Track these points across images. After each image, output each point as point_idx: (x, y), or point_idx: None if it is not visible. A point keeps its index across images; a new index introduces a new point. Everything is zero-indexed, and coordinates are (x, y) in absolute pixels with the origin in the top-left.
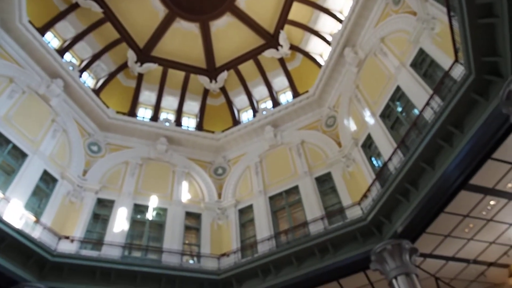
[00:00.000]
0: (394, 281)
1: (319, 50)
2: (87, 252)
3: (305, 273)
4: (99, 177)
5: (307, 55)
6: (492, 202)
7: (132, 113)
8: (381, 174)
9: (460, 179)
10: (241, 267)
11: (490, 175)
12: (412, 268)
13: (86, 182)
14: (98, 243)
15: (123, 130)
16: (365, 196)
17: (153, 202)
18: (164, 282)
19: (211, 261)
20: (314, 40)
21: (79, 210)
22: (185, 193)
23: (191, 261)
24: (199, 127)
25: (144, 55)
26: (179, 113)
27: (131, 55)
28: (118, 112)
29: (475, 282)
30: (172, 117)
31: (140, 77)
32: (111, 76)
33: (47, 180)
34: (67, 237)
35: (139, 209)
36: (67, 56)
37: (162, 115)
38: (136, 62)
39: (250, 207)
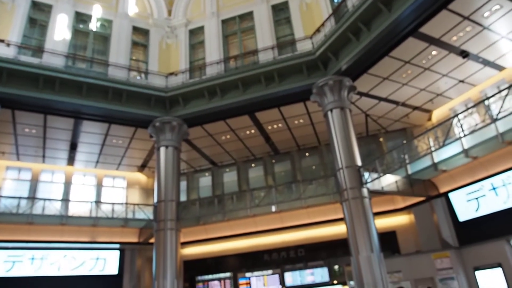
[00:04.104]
0: (329, 113)
1: None
2: (27, 59)
3: (250, 98)
4: None
5: None
6: (434, 52)
7: None
8: (338, 10)
9: (412, 26)
10: (188, 87)
11: (440, 26)
12: (347, 104)
13: None
14: (38, 50)
15: None
16: (318, 30)
17: (97, 11)
18: (111, 94)
19: (158, 79)
20: None
21: (12, 12)
22: (132, 6)
23: (138, 78)
24: None
25: None
26: None
27: None
28: None
29: (399, 122)
30: None
31: None
32: None
33: None
34: (2, 41)
35: (81, 18)
36: None
37: None
38: None
39: (201, 29)
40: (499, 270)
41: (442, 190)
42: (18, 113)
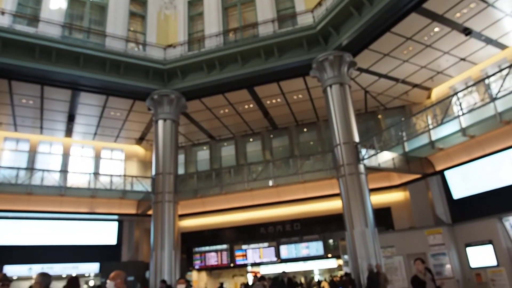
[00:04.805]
0: (328, 88)
1: None
2: (22, 28)
3: (249, 72)
4: None
5: None
6: (436, 29)
7: None
8: None
9: (415, 1)
10: (187, 60)
11: (444, 2)
12: (347, 80)
13: None
14: (34, 19)
15: None
16: (319, 4)
17: None
18: (108, 66)
19: (157, 51)
20: None
21: None
22: None
23: (136, 49)
24: None
25: None
26: None
27: None
28: None
29: (398, 99)
30: None
31: None
32: None
33: None
34: None
35: None
36: None
37: None
38: None
39: (200, 0)
40: (489, 247)
41: (438, 168)
42: (15, 84)
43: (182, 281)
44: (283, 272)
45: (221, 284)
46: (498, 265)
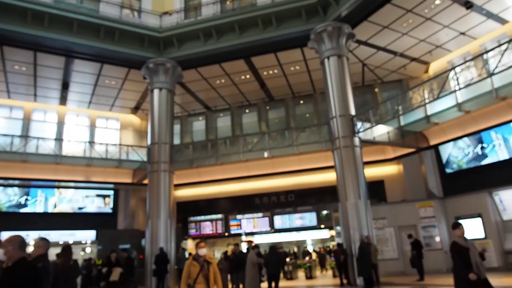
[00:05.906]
0: (326, 60)
1: None
2: None
3: (246, 42)
4: None
5: None
6: (437, 2)
7: None
8: None
9: None
10: (183, 28)
11: None
12: (345, 52)
13: None
14: None
15: None
16: None
17: None
18: (103, 33)
19: (152, 18)
20: None
21: None
22: None
23: (131, 16)
24: None
25: None
26: None
27: None
28: None
29: (395, 73)
30: None
31: None
32: None
33: None
34: None
35: None
36: None
37: None
38: None
39: None
40: (478, 220)
41: (433, 142)
42: (7, 49)
43: (203, 244)
44: (250, 241)
45: (225, 252)
46: (485, 238)
